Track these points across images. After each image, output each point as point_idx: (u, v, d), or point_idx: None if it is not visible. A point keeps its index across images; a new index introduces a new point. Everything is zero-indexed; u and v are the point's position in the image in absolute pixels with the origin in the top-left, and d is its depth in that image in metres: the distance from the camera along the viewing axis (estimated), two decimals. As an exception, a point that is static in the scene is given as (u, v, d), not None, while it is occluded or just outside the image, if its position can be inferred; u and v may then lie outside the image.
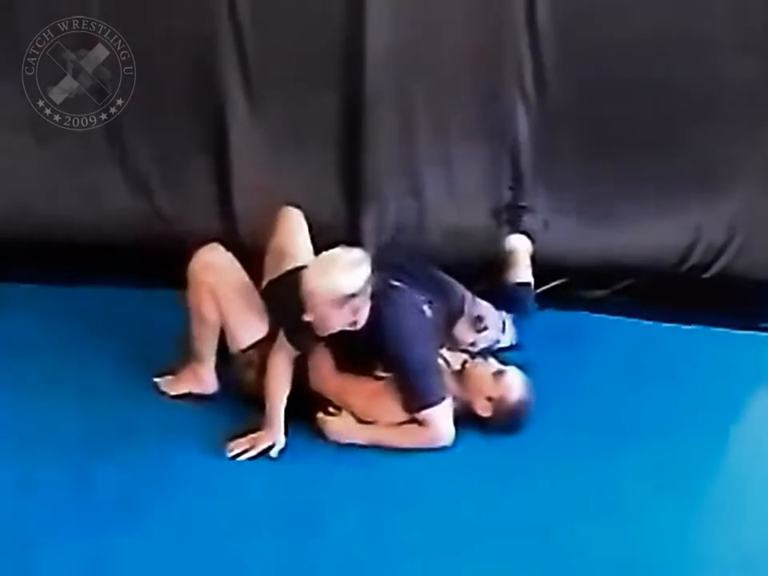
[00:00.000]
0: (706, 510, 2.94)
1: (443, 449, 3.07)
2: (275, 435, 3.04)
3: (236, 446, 3.02)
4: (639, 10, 3.89)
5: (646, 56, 3.92)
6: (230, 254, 3.25)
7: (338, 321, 3.00)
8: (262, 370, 3.13)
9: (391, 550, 2.69)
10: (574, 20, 3.92)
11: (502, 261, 3.84)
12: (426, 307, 3.17)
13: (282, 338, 3.11)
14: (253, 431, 3.06)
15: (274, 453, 3.02)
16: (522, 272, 3.79)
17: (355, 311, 2.99)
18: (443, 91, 4.06)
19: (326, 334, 3.04)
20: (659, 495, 2.94)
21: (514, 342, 3.62)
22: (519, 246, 3.86)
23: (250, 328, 3.21)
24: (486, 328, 3.36)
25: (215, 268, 3.18)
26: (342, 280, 2.94)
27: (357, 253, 3.05)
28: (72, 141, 4.12)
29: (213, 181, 4.15)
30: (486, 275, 3.91)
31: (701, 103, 4.00)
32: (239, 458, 2.99)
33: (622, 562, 2.69)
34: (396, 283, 3.13)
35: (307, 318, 2.96)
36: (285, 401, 3.09)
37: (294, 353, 3.10)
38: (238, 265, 3.25)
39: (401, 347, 3.05)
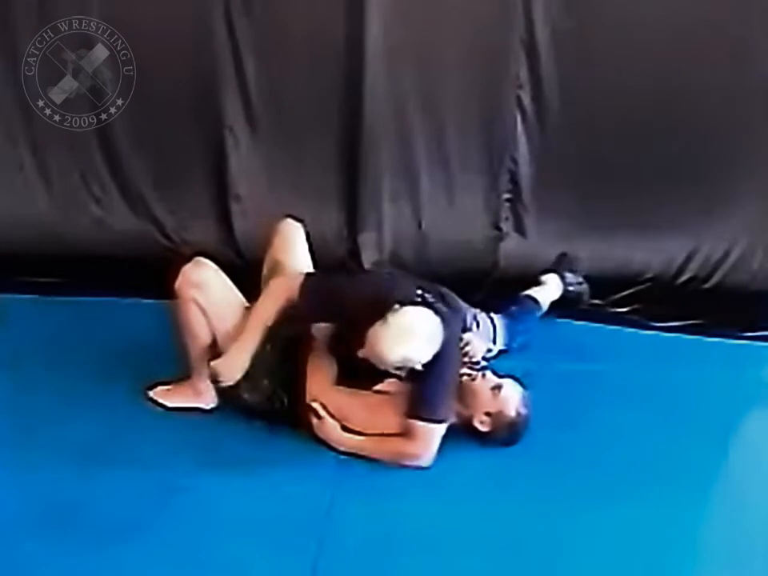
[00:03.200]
0: (706, 520, 2.96)
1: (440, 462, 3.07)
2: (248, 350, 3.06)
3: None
4: (639, 32, 3.91)
5: (646, 80, 3.94)
6: (215, 267, 3.21)
7: None
8: None
9: (393, 563, 2.70)
10: (573, 42, 3.94)
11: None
12: None
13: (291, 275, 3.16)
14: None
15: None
16: (539, 292, 3.80)
17: None
18: (442, 115, 4.08)
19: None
20: (658, 502, 2.95)
21: (504, 347, 3.60)
22: (551, 282, 3.86)
23: None
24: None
25: (201, 284, 3.13)
26: (418, 353, 2.93)
27: (435, 322, 2.97)
28: (72, 157, 4.15)
29: (213, 196, 4.17)
30: (484, 286, 3.96)
31: (699, 122, 4.02)
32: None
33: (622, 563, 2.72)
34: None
35: (362, 354, 2.96)
36: (262, 330, 3.09)
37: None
38: (224, 277, 3.22)
39: (441, 364, 3.01)
